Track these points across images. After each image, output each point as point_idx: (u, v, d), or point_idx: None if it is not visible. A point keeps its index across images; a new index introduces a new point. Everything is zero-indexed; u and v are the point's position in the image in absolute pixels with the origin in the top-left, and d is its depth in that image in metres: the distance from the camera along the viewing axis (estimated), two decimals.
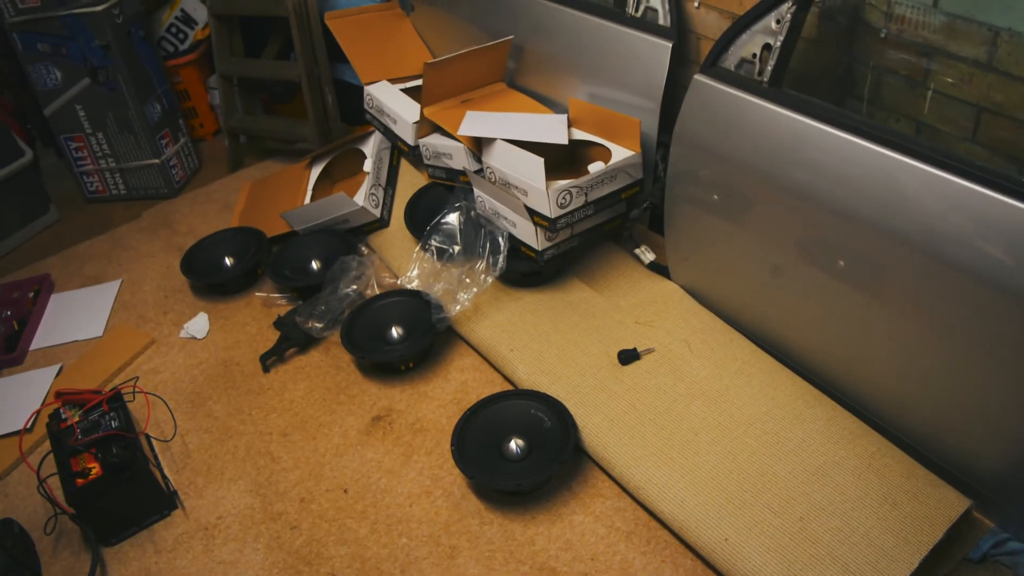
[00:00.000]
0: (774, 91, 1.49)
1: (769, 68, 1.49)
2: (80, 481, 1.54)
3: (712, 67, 1.60)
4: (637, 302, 1.87)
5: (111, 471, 1.55)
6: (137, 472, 1.57)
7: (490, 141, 1.90)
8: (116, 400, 1.69)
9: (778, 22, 1.48)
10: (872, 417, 1.54)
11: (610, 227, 1.97)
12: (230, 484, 1.71)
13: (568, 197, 1.77)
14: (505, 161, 1.85)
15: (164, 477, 1.72)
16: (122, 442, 1.58)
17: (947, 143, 1.46)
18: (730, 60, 1.58)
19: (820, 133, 1.39)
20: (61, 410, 1.66)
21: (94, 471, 1.55)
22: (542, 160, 1.72)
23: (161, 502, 1.66)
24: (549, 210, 1.76)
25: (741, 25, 1.54)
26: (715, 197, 1.64)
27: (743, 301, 1.73)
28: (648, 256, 1.95)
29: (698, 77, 1.61)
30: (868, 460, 1.46)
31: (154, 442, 1.80)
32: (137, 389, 1.77)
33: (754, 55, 1.54)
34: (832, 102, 1.55)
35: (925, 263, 1.29)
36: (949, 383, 1.37)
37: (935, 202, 1.26)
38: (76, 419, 1.64)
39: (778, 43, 1.47)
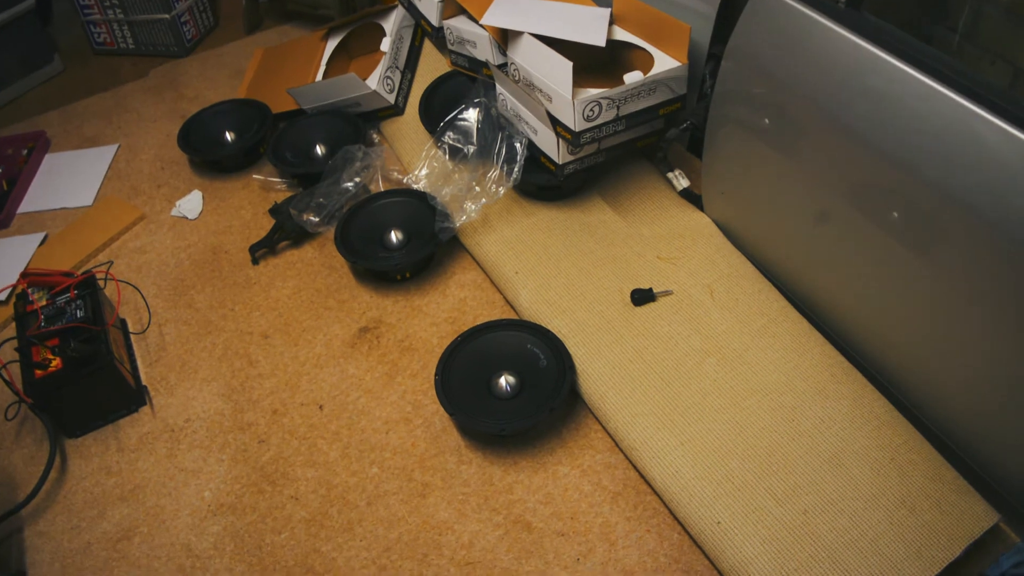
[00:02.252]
0: (851, 14, 1.23)
1: None
2: (39, 372, 1.44)
3: None
4: (662, 233, 1.68)
5: (71, 365, 1.45)
6: (99, 368, 1.47)
7: (517, 34, 1.66)
8: (87, 286, 1.58)
9: None
10: (904, 401, 1.37)
11: (644, 144, 1.75)
12: (203, 385, 1.61)
13: (597, 109, 1.55)
14: (531, 59, 1.62)
15: (135, 370, 1.62)
16: (84, 335, 1.48)
17: None
18: None
19: (901, 74, 1.14)
20: (28, 291, 1.55)
21: (54, 363, 1.45)
22: (571, 65, 1.50)
23: (128, 398, 1.56)
24: (573, 122, 1.54)
25: None
26: (765, 125, 1.41)
27: (780, 247, 1.52)
28: (682, 182, 1.74)
29: None
30: (892, 453, 1.29)
31: (129, 331, 1.70)
32: (109, 276, 1.65)
33: None
34: (916, 31, 1.29)
35: (994, 236, 1.08)
36: (1000, 375, 1.17)
37: (1018, 170, 1.03)
38: (42, 303, 1.54)
39: None
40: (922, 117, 1.12)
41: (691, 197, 1.73)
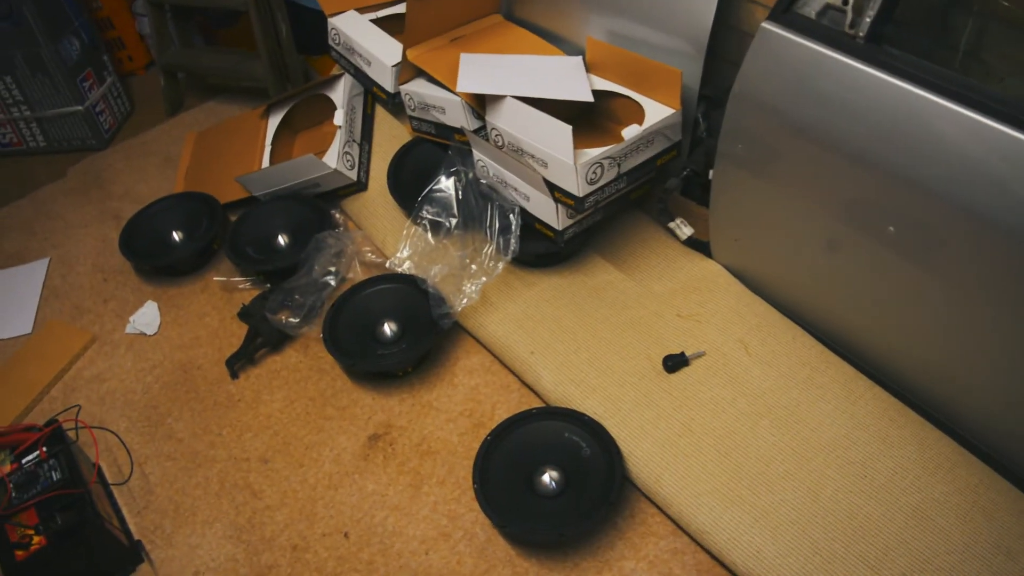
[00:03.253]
0: (872, 50, 1.18)
1: (867, 20, 1.18)
2: (20, 554, 1.24)
3: (786, 13, 1.28)
4: (676, 287, 1.60)
5: (56, 538, 1.25)
6: (89, 534, 1.28)
7: (497, 97, 1.55)
8: (56, 440, 1.38)
9: None
10: (966, 436, 1.32)
11: (637, 195, 1.67)
12: (205, 528, 1.43)
13: (599, 170, 1.46)
14: (518, 124, 1.52)
15: (123, 523, 1.43)
16: (65, 501, 1.28)
17: None
18: (811, 5, 1.26)
19: (940, 109, 1.09)
20: None
21: (36, 540, 1.25)
22: (570, 129, 1.40)
23: (123, 558, 1.37)
24: (577, 187, 1.45)
25: None
26: (780, 165, 1.34)
27: (809, 289, 1.46)
28: (685, 231, 1.66)
29: (767, 26, 1.28)
30: (972, 496, 1.24)
31: (107, 479, 1.50)
32: (80, 423, 1.45)
33: (845, 1, 1.22)
34: (919, 52, 1.26)
35: None
36: None
37: None
38: (7, 468, 1.33)
39: None
40: (970, 156, 1.08)
41: (697, 245, 1.65)
